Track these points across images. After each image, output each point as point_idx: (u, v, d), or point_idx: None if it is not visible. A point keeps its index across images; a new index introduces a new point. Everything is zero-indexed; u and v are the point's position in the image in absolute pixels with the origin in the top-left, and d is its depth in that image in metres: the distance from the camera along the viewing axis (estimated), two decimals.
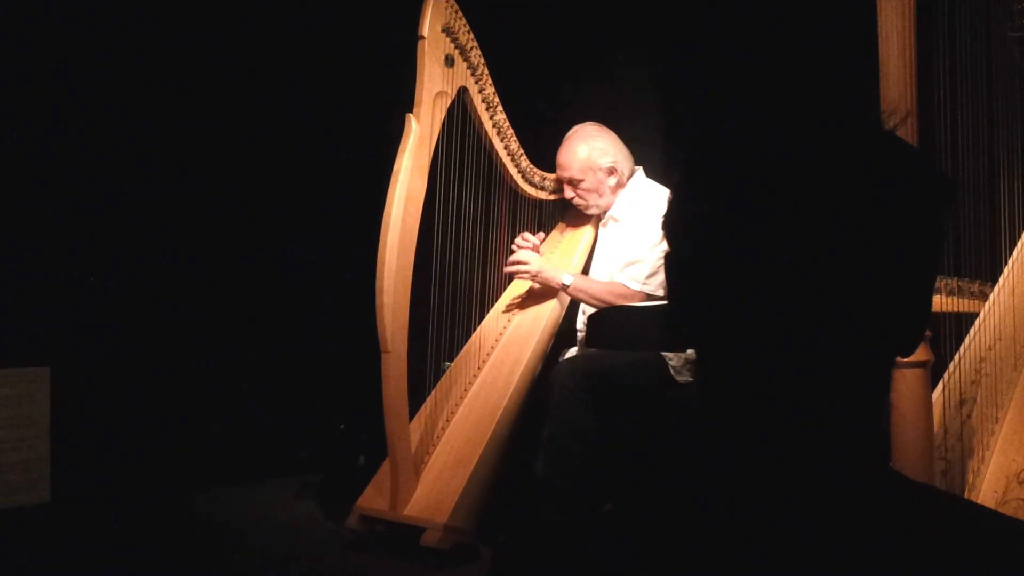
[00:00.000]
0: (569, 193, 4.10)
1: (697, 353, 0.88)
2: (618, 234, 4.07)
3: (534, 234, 4.17)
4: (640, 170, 4.12)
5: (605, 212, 4.13)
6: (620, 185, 4.07)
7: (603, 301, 3.91)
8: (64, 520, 4.08)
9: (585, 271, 4.15)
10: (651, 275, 3.89)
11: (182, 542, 3.91)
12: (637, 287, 3.89)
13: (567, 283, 3.97)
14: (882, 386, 0.85)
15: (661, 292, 3.86)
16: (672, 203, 0.87)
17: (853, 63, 2.97)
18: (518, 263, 4.00)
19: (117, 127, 4.40)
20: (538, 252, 4.11)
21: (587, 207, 4.13)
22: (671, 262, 0.88)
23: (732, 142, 0.84)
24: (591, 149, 4.02)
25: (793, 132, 0.83)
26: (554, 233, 4.34)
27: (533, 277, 4.03)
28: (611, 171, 4.02)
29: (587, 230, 4.25)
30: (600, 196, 4.07)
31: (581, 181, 4.03)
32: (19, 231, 4.16)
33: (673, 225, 0.87)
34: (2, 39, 4.12)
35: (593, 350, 3.84)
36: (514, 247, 4.10)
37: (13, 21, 4.13)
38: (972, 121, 2.85)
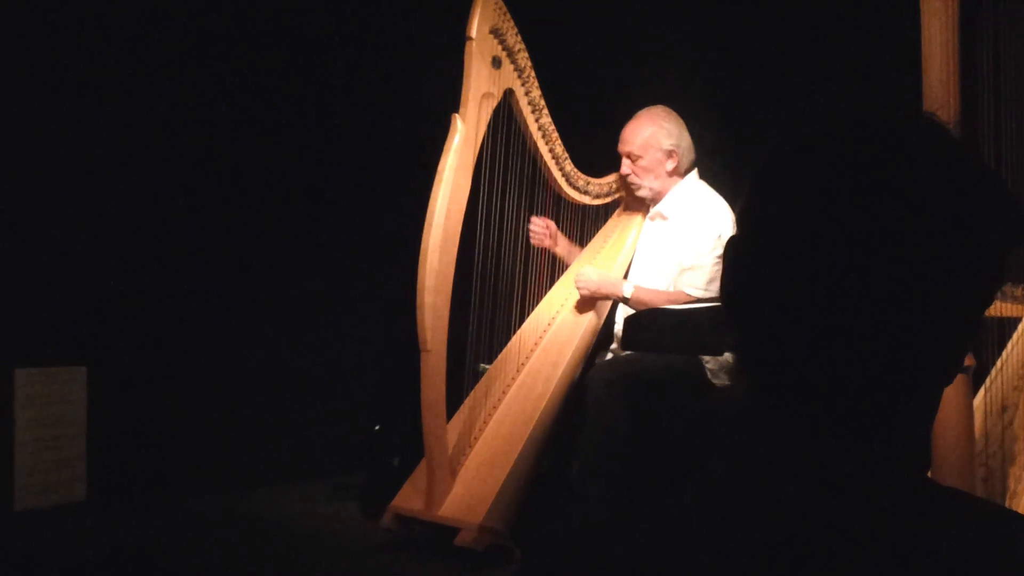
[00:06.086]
0: (625, 169, 4.01)
1: (742, 357, 0.87)
2: (665, 233, 4.00)
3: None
4: (695, 170, 4.05)
5: (654, 201, 4.05)
6: (676, 173, 3.99)
7: None
8: (100, 518, 4.09)
9: (627, 274, 4.09)
10: (711, 281, 3.81)
11: (217, 541, 3.92)
12: (700, 295, 3.82)
13: (628, 295, 3.89)
14: (930, 406, 0.85)
15: None
16: (746, 201, 0.86)
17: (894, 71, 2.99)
18: (578, 276, 3.95)
19: (159, 129, 4.46)
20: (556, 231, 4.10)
21: (639, 187, 4.02)
22: (735, 263, 0.87)
23: (808, 148, 0.84)
24: (657, 128, 3.95)
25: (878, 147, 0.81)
26: (596, 240, 4.29)
27: (593, 293, 3.95)
28: (670, 154, 3.95)
29: (631, 234, 4.19)
30: (656, 178, 3.98)
31: (640, 158, 3.95)
32: (56, 231, 4.19)
33: (747, 221, 0.86)
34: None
35: (630, 353, 3.83)
36: (531, 226, 4.02)
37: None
38: (1017, 126, 2.86)
